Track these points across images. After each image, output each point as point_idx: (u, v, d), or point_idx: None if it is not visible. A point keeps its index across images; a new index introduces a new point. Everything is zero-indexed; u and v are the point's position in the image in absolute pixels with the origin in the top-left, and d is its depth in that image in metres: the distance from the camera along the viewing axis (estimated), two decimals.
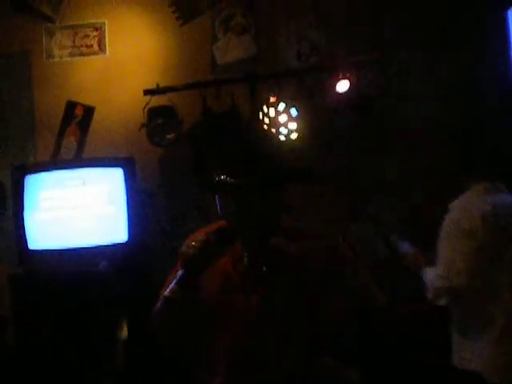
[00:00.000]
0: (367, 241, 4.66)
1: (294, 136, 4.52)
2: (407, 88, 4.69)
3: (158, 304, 2.54)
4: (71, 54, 5.06)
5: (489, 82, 4.59)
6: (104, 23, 5.04)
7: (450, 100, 4.64)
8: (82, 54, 5.05)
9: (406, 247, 3.77)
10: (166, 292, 2.45)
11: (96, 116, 5.01)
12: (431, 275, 3.42)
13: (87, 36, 5.04)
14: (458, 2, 4.67)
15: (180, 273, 2.46)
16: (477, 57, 4.62)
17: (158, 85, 4.67)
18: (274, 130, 4.50)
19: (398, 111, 4.70)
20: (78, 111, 5.01)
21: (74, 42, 5.05)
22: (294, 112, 4.47)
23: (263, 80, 4.66)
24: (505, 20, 4.40)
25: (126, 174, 4.47)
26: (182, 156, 4.77)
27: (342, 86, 4.53)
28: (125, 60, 5.02)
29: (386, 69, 4.65)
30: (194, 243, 2.42)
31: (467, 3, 4.64)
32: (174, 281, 2.45)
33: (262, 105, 4.53)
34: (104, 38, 5.04)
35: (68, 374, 4.21)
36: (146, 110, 4.62)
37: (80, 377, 4.19)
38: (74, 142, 5.01)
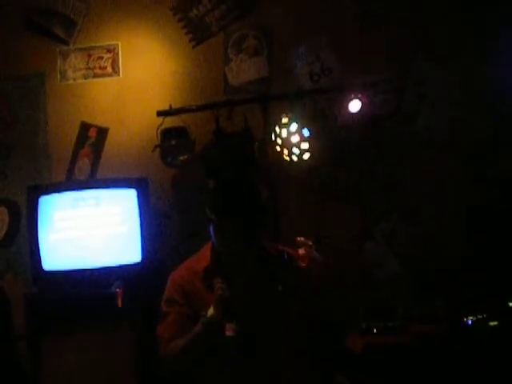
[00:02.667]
0: (379, 258, 4.67)
1: (306, 156, 4.53)
2: (420, 107, 4.71)
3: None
4: (85, 76, 5.10)
5: (504, 99, 4.60)
6: (117, 45, 5.09)
7: (465, 119, 4.66)
8: (95, 76, 5.10)
9: None
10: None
11: (110, 137, 5.05)
12: None
13: (101, 58, 5.09)
14: (471, 16, 4.69)
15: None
16: (491, 73, 4.63)
17: (170, 106, 4.69)
18: (286, 151, 4.52)
19: (410, 131, 4.72)
20: (92, 132, 5.05)
21: (87, 63, 5.10)
22: (306, 132, 4.48)
23: (275, 101, 4.67)
24: None
25: (139, 195, 4.49)
26: (195, 176, 4.78)
27: (354, 105, 4.54)
28: (138, 81, 5.07)
29: (398, 88, 4.68)
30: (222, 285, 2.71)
31: (481, 17, 4.66)
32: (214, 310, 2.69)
33: (275, 125, 4.54)
34: (117, 59, 5.08)
35: None
36: (159, 131, 4.64)
37: None
38: (87, 163, 5.04)
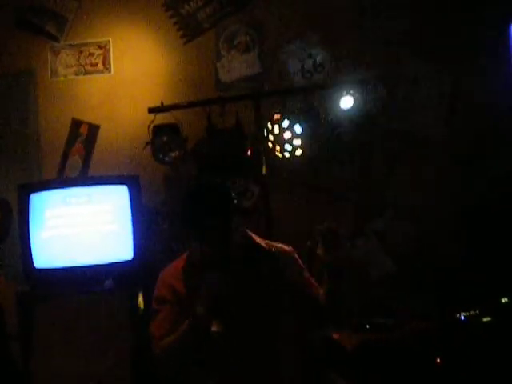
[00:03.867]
0: (372, 256, 4.67)
1: (298, 153, 4.52)
2: (414, 106, 4.71)
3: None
4: (76, 73, 5.08)
5: (493, 96, 4.59)
6: (108, 41, 5.07)
7: (460, 118, 4.66)
8: (86, 73, 5.08)
9: None
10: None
11: (101, 134, 5.04)
12: None
13: (92, 54, 5.07)
14: (461, 16, 4.68)
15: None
16: (480, 71, 4.62)
17: (162, 102, 4.68)
18: (278, 147, 4.51)
19: (404, 129, 4.71)
20: (83, 129, 5.03)
21: (78, 60, 5.08)
22: (298, 129, 4.47)
23: (267, 97, 4.67)
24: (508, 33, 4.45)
25: (130, 192, 4.47)
26: (187, 173, 4.77)
27: (346, 102, 4.53)
28: (129, 78, 5.05)
29: (391, 86, 4.67)
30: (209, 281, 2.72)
31: (477, 16, 4.64)
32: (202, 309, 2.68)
33: (267, 122, 4.54)
34: (109, 56, 5.06)
35: None
36: (150, 128, 4.63)
37: None
38: (79, 160, 5.02)
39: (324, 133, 4.58)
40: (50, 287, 4.41)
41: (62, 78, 5.10)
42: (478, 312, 4.04)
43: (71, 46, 5.09)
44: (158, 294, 2.94)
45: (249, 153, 4.56)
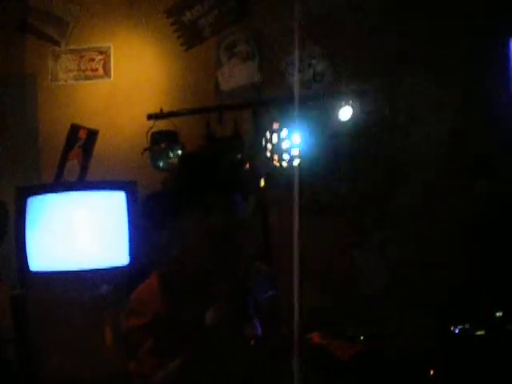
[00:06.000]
0: (370, 269, 4.67)
1: (296, 162, 4.52)
2: (412, 114, 4.71)
3: None
4: (76, 78, 5.09)
5: (495, 109, 4.59)
6: (109, 47, 5.08)
7: (459, 127, 4.65)
8: (86, 78, 5.08)
9: None
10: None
11: (99, 139, 5.04)
12: None
13: (92, 60, 5.08)
14: (472, 27, 4.69)
15: None
16: (481, 83, 4.63)
17: (161, 109, 4.69)
18: (276, 157, 4.52)
19: (405, 141, 4.71)
20: (82, 134, 5.04)
21: (79, 65, 5.09)
22: (296, 138, 4.48)
23: (266, 106, 4.68)
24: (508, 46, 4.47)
25: (128, 198, 4.47)
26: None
27: (345, 112, 4.54)
28: (129, 84, 5.06)
29: (392, 98, 4.68)
30: None
31: (481, 28, 4.65)
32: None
33: (265, 131, 4.55)
34: (109, 61, 5.07)
35: None
36: (149, 134, 4.64)
37: None
38: (77, 164, 5.03)
39: (322, 143, 4.59)
40: (45, 291, 4.40)
41: (62, 83, 5.11)
42: (471, 325, 4.04)
43: (72, 50, 5.10)
44: (136, 323, 2.35)
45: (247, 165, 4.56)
